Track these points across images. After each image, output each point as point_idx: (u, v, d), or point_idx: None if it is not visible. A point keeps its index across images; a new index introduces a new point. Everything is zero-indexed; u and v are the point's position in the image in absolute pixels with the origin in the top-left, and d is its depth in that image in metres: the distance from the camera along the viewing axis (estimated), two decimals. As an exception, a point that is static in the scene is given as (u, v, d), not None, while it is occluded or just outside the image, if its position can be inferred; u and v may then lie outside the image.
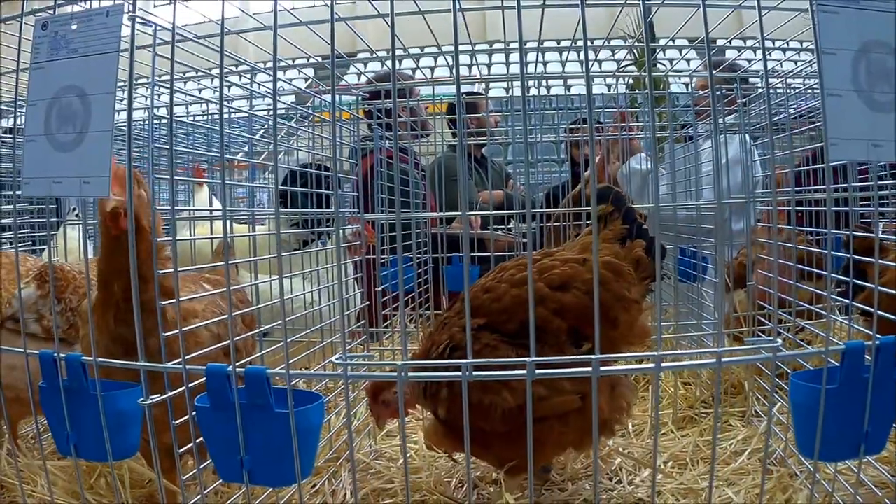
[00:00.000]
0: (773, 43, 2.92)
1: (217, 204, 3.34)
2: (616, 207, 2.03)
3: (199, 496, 1.38)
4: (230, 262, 1.33)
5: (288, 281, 2.15)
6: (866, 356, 1.31)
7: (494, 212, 3.07)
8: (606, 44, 2.74)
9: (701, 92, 3.04)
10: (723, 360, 1.27)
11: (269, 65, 1.36)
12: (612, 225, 2.02)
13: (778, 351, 1.29)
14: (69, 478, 1.79)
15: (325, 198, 2.28)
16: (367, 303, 2.24)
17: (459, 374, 1.28)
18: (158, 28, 1.39)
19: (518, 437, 1.83)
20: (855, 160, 1.95)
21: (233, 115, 2.33)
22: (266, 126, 3.01)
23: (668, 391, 2.63)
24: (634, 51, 3.62)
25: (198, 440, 1.36)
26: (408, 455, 2.16)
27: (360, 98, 2.69)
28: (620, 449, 2.23)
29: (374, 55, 2.22)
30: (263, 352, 1.65)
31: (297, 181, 2.29)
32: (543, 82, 3.35)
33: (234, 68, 2.16)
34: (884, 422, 1.32)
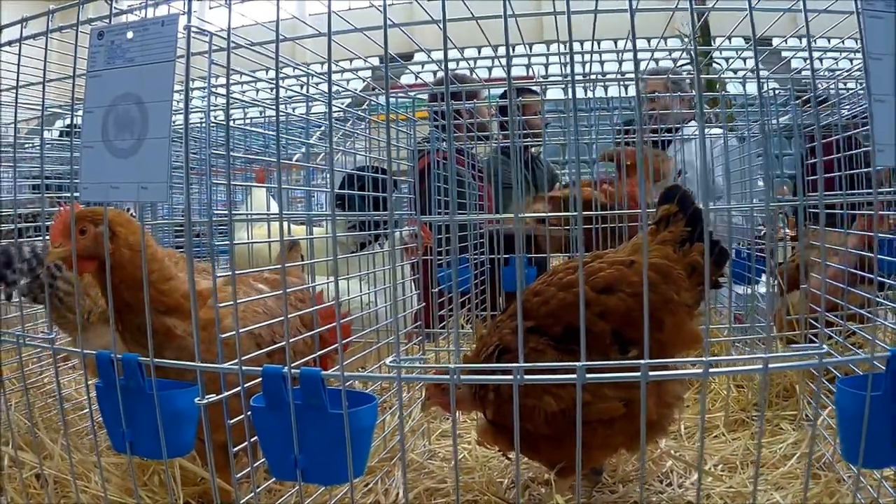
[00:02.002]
0: (829, 41, 2.86)
1: (274, 205, 3.36)
2: (681, 208, 1.95)
3: (252, 494, 1.38)
4: (287, 265, 1.33)
5: (345, 282, 2.17)
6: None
7: (547, 213, 3.01)
8: (662, 44, 2.68)
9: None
10: (770, 365, 1.23)
11: (325, 67, 1.35)
12: (673, 226, 1.94)
13: (825, 357, 1.23)
14: (122, 474, 1.82)
15: (381, 200, 2.27)
16: (424, 304, 2.22)
17: (510, 377, 1.25)
18: (213, 35, 1.39)
19: (564, 439, 1.82)
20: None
21: (289, 118, 2.34)
22: (322, 128, 3.03)
23: (720, 394, 2.57)
24: (690, 50, 3.53)
25: (252, 439, 1.37)
26: (460, 456, 2.16)
27: (414, 100, 2.68)
28: (672, 451, 2.17)
29: (429, 57, 2.21)
30: (318, 353, 1.64)
31: (355, 184, 2.29)
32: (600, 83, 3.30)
33: (289, 72, 2.17)
34: None
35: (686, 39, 3.66)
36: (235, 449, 1.40)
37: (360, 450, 1.34)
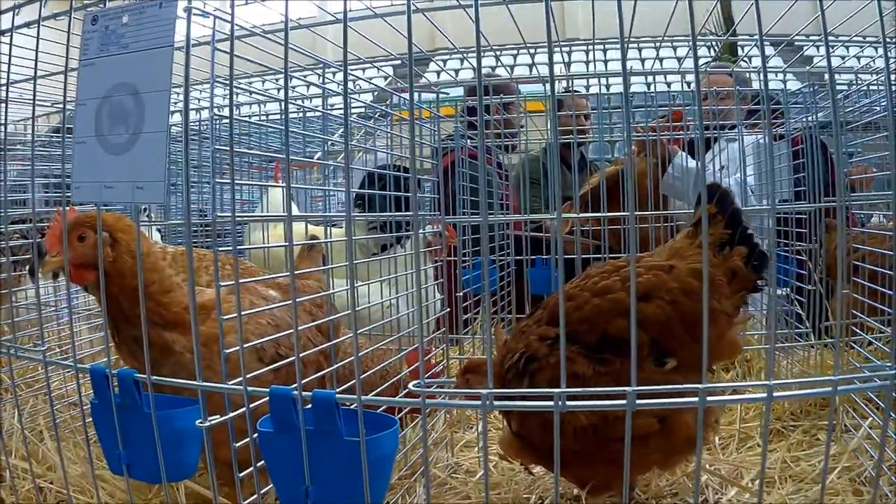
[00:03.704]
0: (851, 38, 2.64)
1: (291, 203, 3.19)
2: (720, 209, 1.75)
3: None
4: (301, 270, 1.15)
5: (366, 287, 1.99)
6: None
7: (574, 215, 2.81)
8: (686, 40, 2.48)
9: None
10: (839, 388, 1.04)
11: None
12: (712, 228, 1.74)
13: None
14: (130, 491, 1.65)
15: (403, 200, 2.09)
16: (448, 309, 2.04)
17: (551, 403, 1.07)
18: (218, 20, 1.21)
19: (594, 456, 1.64)
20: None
21: (308, 115, 2.17)
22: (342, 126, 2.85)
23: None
24: (715, 46, 3.31)
25: (258, 464, 1.20)
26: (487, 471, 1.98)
27: (438, 96, 2.49)
28: (707, 465, 1.98)
29: (456, 49, 2.03)
30: (335, 367, 1.47)
31: (375, 183, 2.10)
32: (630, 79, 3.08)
33: (305, 66, 1.99)
34: None
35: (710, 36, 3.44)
36: (242, 474, 1.23)
37: (379, 479, 1.17)
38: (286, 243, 1.25)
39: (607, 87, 3.13)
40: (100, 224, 1.27)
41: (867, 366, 1.17)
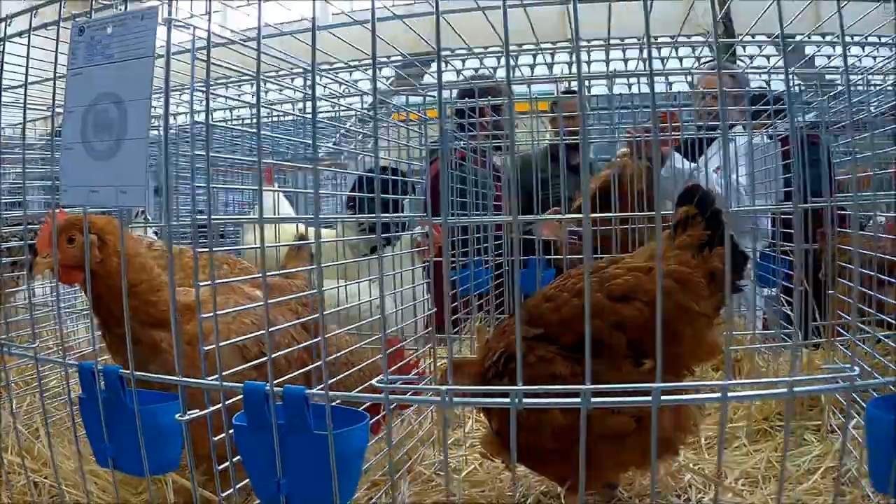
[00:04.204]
0: (852, 38, 2.64)
1: (285, 204, 3.26)
2: (700, 210, 1.78)
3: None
4: (289, 270, 1.20)
5: (356, 286, 2.04)
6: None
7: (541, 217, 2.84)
8: (683, 40, 2.50)
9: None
10: (795, 389, 1.07)
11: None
12: (691, 230, 1.77)
13: (855, 381, 1.07)
14: (119, 484, 1.70)
15: (393, 202, 2.14)
16: (435, 309, 2.08)
17: (507, 400, 1.11)
18: (196, 29, 1.26)
19: (571, 454, 1.66)
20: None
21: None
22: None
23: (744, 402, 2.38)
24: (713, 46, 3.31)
25: (235, 458, 1.25)
26: (471, 468, 2.03)
27: (425, 100, 2.53)
28: (690, 465, 2.01)
29: (470, 51, 2.06)
30: (315, 364, 1.52)
31: (364, 186, 2.15)
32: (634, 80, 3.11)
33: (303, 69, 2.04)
34: None
35: (708, 33, 3.43)
36: (220, 467, 1.29)
37: (349, 473, 1.21)
38: (266, 245, 1.30)
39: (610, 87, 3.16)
40: (87, 227, 1.33)
41: (832, 367, 1.19)
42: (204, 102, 1.26)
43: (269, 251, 2.29)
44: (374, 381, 1.12)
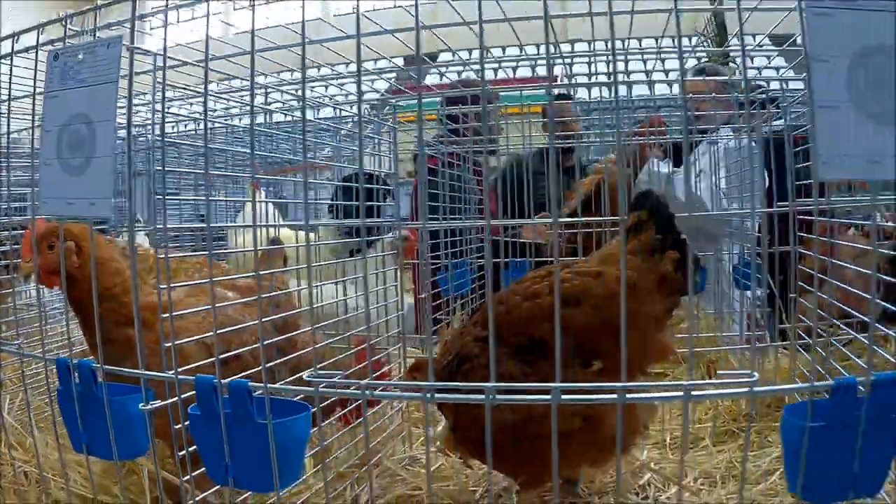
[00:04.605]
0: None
1: (271, 209, 3.43)
2: (651, 215, 1.89)
3: (191, 500, 1.43)
4: (265, 271, 1.36)
5: (331, 287, 2.21)
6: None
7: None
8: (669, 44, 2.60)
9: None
10: (693, 393, 1.19)
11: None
12: (643, 234, 1.88)
13: (754, 386, 1.18)
14: (101, 473, 1.89)
15: (375, 206, 2.30)
16: (402, 311, 2.24)
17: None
18: (154, 54, 1.44)
19: (521, 452, 1.80)
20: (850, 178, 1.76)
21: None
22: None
23: (712, 403, 2.48)
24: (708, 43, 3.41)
25: (191, 448, 1.41)
26: (438, 464, 2.17)
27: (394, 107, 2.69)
28: (651, 464, 2.12)
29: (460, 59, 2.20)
30: (282, 359, 1.68)
31: (344, 193, 2.32)
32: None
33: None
34: (879, 463, 1.22)
35: (704, 37, 3.53)
36: (181, 453, 1.45)
37: (290, 459, 1.37)
38: (244, 249, 1.46)
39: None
40: (62, 235, 1.51)
41: (729, 372, 1.30)
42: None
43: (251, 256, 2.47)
44: (304, 375, 1.28)
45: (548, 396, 1.30)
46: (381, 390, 1.34)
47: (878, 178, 1.21)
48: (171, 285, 1.50)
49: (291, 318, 1.90)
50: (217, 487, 1.56)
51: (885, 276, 1.83)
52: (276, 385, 1.31)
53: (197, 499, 1.47)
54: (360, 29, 1.35)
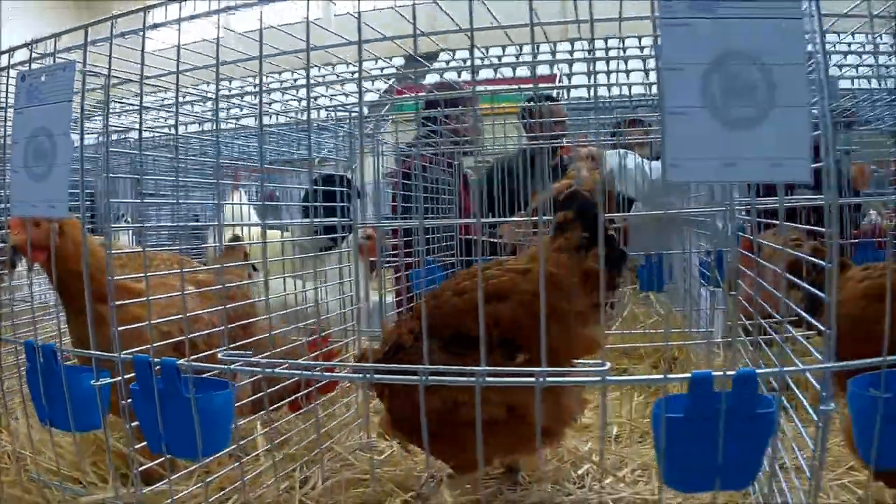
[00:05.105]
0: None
1: (247, 209, 3.70)
2: (577, 214, 2.07)
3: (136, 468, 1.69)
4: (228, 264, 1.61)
5: (289, 281, 2.46)
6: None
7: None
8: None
9: None
10: (548, 379, 1.38)
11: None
12: (569, 233, 2.07)
13: (606, 376, 1.36)
14: (74, 452, 2.16)
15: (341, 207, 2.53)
16: (358, 305, 2.47)
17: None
18: (105, 76, 1.70)
19: (449, 437, 1.99)
20: (703, 180, 1.90)
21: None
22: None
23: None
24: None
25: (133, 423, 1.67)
26: (391, 450, 2.38)
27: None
28: (594, 456, 2.30)
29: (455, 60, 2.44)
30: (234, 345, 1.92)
31: (315, 192, 2.56)
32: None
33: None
34: (745, 457, 1.33)
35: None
36: (129, 426, 1.71)
37: (214, 431, 1.60)
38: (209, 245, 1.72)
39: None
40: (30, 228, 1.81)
41: (583, 360, 1.47)
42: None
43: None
44: (219, 354, 1.52)
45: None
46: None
47: (732, 180, 1.38)
48: (125, 276, 1.76)
49: (245, 308, 2.15)
50: (165, 458, 1.81)
51: (790, 276, 1.97)
52: (199, 364, 1.55)
53: (141, 468, 1.72)
54: (361, 35, 1.54)
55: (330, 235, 2.42)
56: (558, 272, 2.00)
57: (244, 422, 2.08)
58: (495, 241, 3.50)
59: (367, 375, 1.71)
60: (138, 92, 1.71)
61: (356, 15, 1.57)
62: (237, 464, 1.86)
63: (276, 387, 2.05)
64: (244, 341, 2.03)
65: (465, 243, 3.34)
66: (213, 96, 1.77)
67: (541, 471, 2.26)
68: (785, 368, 1.40)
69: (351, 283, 2.42)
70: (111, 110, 1.74)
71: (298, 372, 1.56)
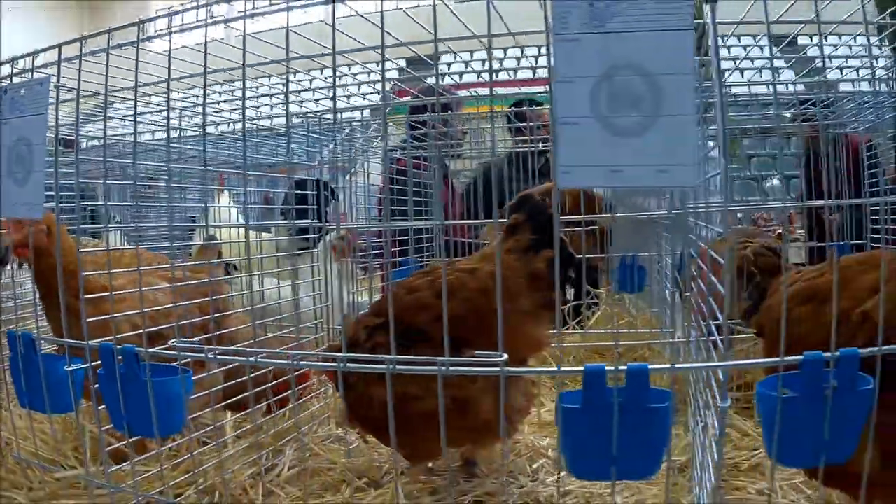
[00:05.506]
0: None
1: (234, 211, 3.93)
2: (528, 217, 2.24)
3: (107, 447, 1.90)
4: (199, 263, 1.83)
5: (270, 281, 2.67)
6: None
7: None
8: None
9: None
10: (450, 368, 1.56)
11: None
12: (519, 235, 2.23)
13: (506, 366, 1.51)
14: (56, 441, 2.38)
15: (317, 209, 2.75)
16: (327, 303, 2.67)
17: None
18: (77, 90, 1.93)
19: (400, 428, 2.16)
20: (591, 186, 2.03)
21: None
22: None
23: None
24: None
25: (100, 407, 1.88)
26: (358, 442, 2.57)
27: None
28: (550, 451, 2.45)
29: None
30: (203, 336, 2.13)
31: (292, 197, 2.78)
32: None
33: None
34: (643, 448, 1.44)
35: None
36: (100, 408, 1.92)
37: (170, 413, 1.81)
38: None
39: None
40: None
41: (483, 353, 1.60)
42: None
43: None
44: (171, 341, 1.73)
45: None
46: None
47: (619, 185, 1.53)
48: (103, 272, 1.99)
49: (217, 303, 2.37)
50: (133, 440, 2.02)
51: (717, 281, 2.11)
52: (154, 350, 1.76)
53: (109, 448, 1.94)
54: (381, 39, 1.65)
55: (303, 237, 2.63)
56: (505, 273, 2.17)
57: (208, 410, 2.27)
58: (483, 242, 3.67)
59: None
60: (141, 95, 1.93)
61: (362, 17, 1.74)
62: (203, 448, 2.07)
63: (243, 378, 2.25)
64: (215, 333, 2.26)
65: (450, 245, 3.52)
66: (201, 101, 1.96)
67: (497, 463, 2.42)
68: (676, 366, 1.53)
69: (319, 282, 2.62)
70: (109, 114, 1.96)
71: (240, 359, 1.75)
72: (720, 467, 1.54)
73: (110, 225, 3.69)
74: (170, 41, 1.96)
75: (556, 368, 1.57)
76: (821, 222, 3.74)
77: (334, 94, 1.99)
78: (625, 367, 1.43)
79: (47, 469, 2.11)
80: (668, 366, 1.55)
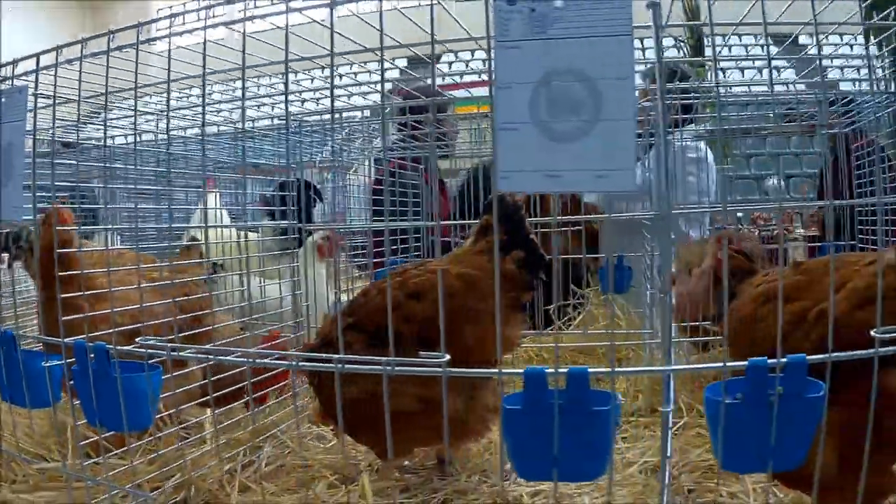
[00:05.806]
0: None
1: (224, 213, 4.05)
2: (500, 218, 2.30)
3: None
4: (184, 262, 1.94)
5: (256, 280, 2.78)
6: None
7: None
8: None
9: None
10: (396, 368, 1.67)
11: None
12: (490, 235, 2.29)
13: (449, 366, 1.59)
14: (40, 436, 2.51)
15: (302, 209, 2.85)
16: (307, 303, 2.78)
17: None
18: (53, 96, 2.04)
19: (369, 426, 2.24)
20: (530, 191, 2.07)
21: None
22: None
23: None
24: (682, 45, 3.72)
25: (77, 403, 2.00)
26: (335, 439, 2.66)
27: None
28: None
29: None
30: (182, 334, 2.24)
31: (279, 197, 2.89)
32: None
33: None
34: (582, 449, 1.48)
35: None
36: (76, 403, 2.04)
37: (138, 408, 1.91)
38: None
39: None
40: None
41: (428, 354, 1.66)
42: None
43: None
44: (137, 340, 1.83)
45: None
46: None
47: (556, 190, 1.60)
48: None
49: (198, 302, 2.48)
50: (109, 434, 2.13)
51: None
52: (123, 348, 1.86)
53: (84, 442, 2.05)
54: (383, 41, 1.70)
55: (284, 237, 2.74)
56: (475, 273, 2.24)
57: (185, 406, 2.37)
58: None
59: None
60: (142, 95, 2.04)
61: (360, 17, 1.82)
62: (180, 444, 2.17)
63: (222, 375, 2.35)
64: (195, 331, 2.37)
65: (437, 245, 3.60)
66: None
67: (474, 463, 2.49)
68: (617, 370, 1.59)
69: (299, 281, 2.72)
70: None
71: (206, 356, 1.86)
72: (666, 468, 1.59)
73: (99, 226, 3.86)
74: (169, 42, 2.04)
75: (496, 371, 1.62)
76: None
77: (332, 94, 2.07)
78: (565, 370, 1.48)
79: (29, 462, 2.23)
80: (607, 369, 1.59)
